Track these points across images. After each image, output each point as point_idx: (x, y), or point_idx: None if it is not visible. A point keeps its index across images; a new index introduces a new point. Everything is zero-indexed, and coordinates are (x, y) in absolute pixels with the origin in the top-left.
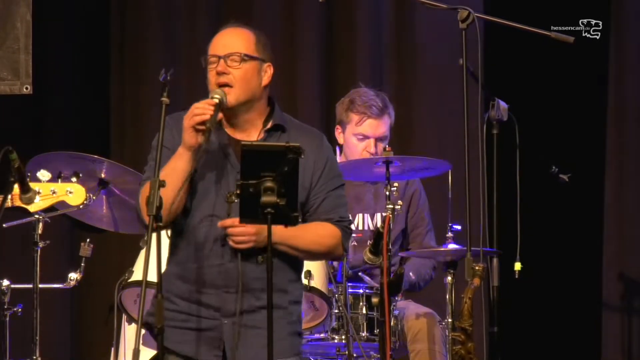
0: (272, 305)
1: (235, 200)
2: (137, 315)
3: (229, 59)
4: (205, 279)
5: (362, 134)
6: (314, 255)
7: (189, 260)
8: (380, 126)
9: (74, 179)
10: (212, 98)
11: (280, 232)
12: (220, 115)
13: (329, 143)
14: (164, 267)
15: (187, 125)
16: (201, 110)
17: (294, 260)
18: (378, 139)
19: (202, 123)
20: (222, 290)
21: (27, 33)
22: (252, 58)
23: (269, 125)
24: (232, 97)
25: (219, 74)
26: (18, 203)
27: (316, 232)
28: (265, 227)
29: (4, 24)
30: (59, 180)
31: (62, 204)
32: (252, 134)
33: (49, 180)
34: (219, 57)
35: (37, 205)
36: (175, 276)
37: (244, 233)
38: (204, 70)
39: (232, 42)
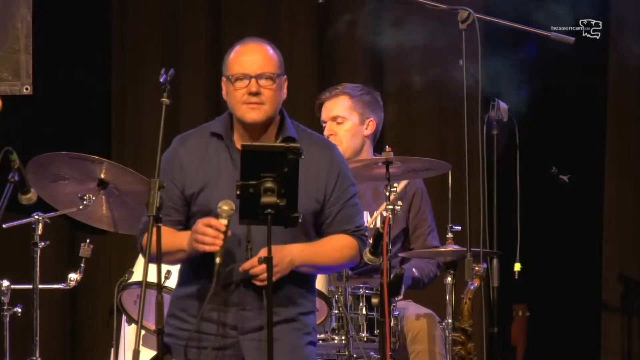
0: (272, 307)
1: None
2: (137, 316)
3: (261, 79)
4: (222, 297)
5: (322, 121)
6: (333, 269)
7: (204, 280)
8: (329, 108)
9: None
10: (220, 217)
11: (302, 254)
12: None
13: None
14: (164, 268)
15: (193, 246)
16: (211, 240)
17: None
18: (332, 120)
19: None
20: (239, 308)
21: (28, 34)
22: (279, 76)
23: (280, 140)
24: (262, 114)
25: (252, 94)
26: None
27: (334, 247)
28: (281, 252)
29: (4, 25)
30: None
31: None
32: None
33: None
34: (250, 77)
35: None
36: (189, 296)
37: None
38: (218, 82)
39: (262, 60)
